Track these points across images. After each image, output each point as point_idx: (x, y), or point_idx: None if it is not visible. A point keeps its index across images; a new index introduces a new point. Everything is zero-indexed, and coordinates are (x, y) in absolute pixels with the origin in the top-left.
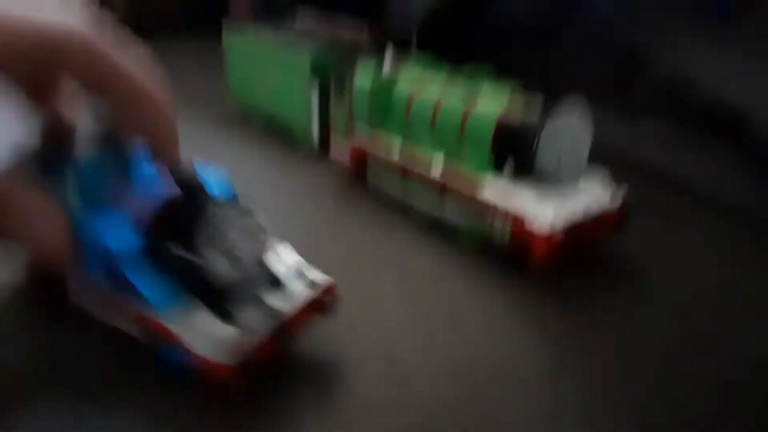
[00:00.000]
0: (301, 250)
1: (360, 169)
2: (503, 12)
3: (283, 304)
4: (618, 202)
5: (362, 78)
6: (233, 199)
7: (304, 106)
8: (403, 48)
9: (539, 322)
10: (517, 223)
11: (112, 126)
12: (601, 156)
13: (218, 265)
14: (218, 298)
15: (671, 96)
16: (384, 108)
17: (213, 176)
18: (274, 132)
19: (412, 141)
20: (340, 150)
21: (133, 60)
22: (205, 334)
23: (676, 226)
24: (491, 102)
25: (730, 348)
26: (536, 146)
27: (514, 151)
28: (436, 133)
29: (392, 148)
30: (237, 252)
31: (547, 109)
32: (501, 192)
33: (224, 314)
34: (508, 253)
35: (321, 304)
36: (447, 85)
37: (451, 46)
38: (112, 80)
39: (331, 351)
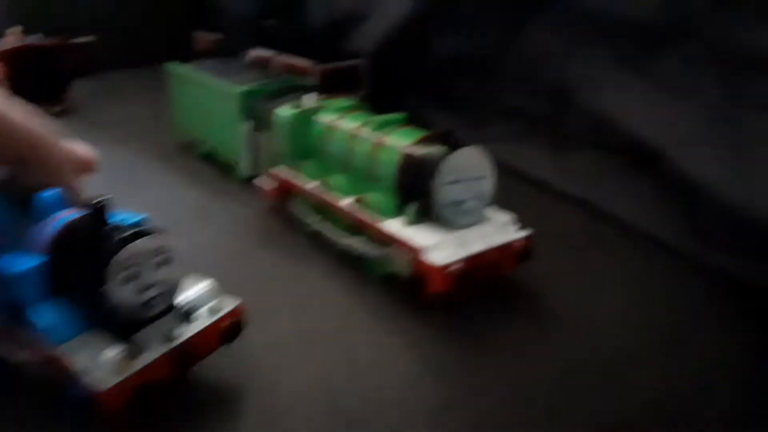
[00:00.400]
0: (215, 279)
1: (282, 200)
2: (449, 44)
3: (183, 329)
4: (522, 237)
5: (284, 109)
6: (139, 223)
7: (236, 140)
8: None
9: (434, 360)
10: (416, 255)
11: (10, 173)
12: (530, 186)
13: (121, 296)
14: (118, 326)
15: (597, 131)
16: (303, 139)
17: (122, 210)
18: (211, 163)
19: (328, 172)
20: (266, 181)
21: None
22: (97, 362)
23: (593, 258)
24: (400, 138)
25: (625, 383)
26: (435, 178)
27: (416, 183)
28: (349, 164)
29: (310, 179)
30: (141, 279)
31: (451, 147)
32: (402, 224)
33: (124, 342)
34: (410, 285)
35: (226, 329)
36: (362, 123)
37: (401, 75)
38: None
39: (229, 379)
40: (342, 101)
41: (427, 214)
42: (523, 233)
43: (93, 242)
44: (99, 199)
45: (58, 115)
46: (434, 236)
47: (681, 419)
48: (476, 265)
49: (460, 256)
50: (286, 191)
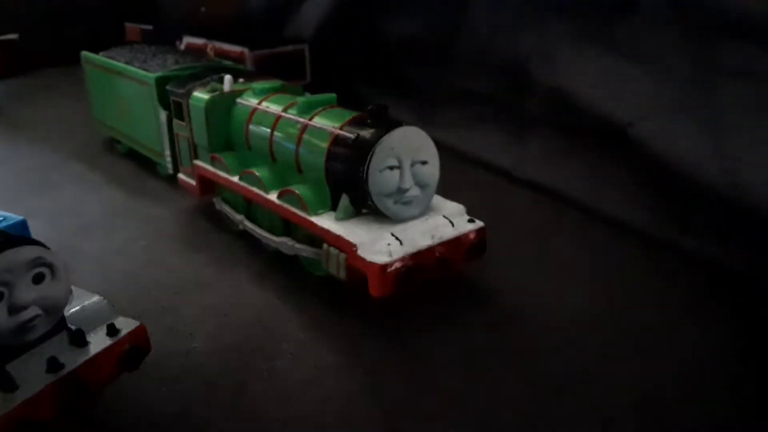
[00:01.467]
0: (119, 292)
1: (207, 196)
2: (394, 28)
3: (72, 356)
4: (474, 229)
5: (200, 94)
6: (15, 228)
7: (154, 132)
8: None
9: (378, 376)
10: (352, 254)
11: None
12: (489, 172)
13: None
14: None
15: (557, 110)
16: (224, 127)
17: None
18: (136, 161)
19: (253, 162)
20: (187, 175)
21: None
22: None
23: (559, 249)
24: (329, 120)
25: (602, 384)
26: (368, 163)
27: (347, 171)
28: (274, 153)
29: (233, 169)
30: (13, 297)
31: (387, 127)
32: (335, 219)
33: None
34: (347, 284)
35: (125, 354)
36: (287, 106)
37: (345, 61)
38: None
39: (131, 414)
40: (267, 83)
41: (363, 206)
42: (475, 225)
43: None
44: None
45: None
46: (371, 232)
47: (663, 420)
48: (422, 263)
49: (403, 254)
50: (210, 186)
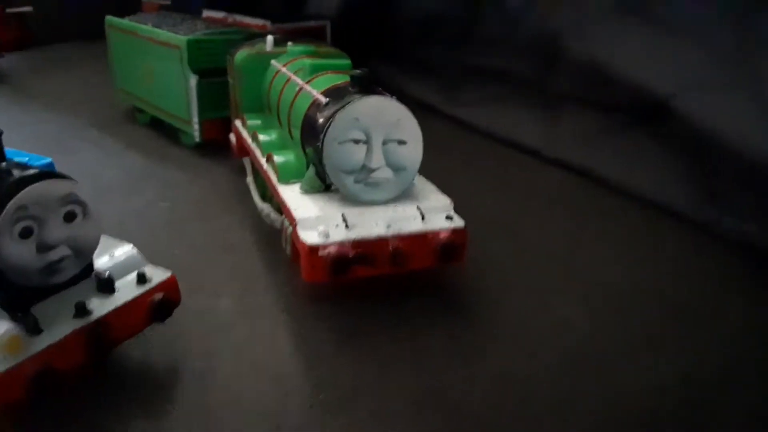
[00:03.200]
0: (151, 251)
1: (243, 154)
2: (417, 6)
3: (100, 302)
4: (448, 228)
5: (241, 52)
6: (48, 168)
7: (183, 98)
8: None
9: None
10: (295, 228)
11: None
12: (517, 152)
13: (15, 252)
14: (11, 293)
15: (591, 86)
16: (257, 86)
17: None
18: (158, 130)
19: (270, 124)
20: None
21: None
22: None
23: (594, 229)
24: (319, 85)
25: (638, 367)
26: (326, 130)
27: (312, 140)
28: (280, 113)
29: (250, 130)
30: (43, 234)
31: (364, 92)
32: (294, 191)
33: (19, 315)
34: (293, 261)
35: (156, 304)
36: (299, 69)
37: (366, 40)
38: None
39: (157, 364)
40: (302, 46)
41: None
42: (451, 223)
43: None
44: None
45: None
46: (323, 210)
47: (701, 411)
48: (369, 254)
49: (341, 238)
50: (243, 147)
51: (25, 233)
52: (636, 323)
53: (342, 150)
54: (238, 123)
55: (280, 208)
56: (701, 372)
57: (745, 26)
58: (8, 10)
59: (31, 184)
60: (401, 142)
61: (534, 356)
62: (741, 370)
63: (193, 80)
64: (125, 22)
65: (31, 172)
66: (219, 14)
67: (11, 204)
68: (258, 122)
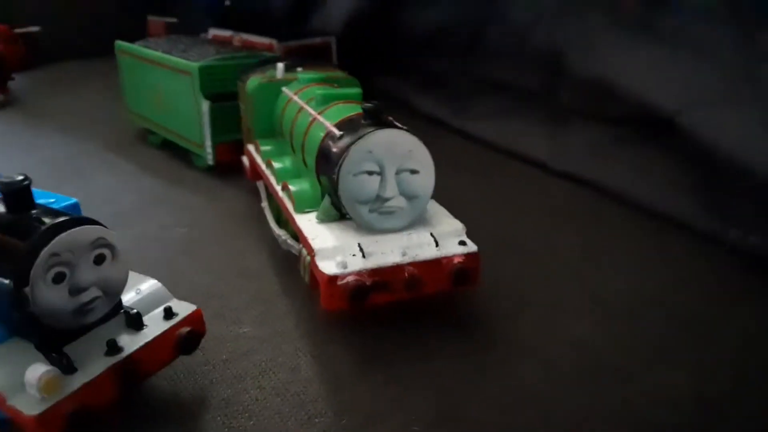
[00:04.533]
0: (160, 279)
1: (256, 178)
2: (423, 20)
3: (130, 339)
4: (461, 254)
5: (252, 79)
6: (73, 209)
7: (196, 122)
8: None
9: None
10: (313, 258)
11: None
12: (523, 166)
13: (48, 297)
14: (46, 335)
15: (597, 100)
16: (269, 113)
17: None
18: (170, 151)
19: (283, 151)
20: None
21: None
22: (21, 381)
23: (600, 241)
24: (332, 116)
25: (648, 379)
26: (341, 163)
27: (328, 171)
28: (293, 142)
29: (264, 156)
30: (75, 278)
31: (376, 124)
32: (310, 220)
33: (54, 355)
34: (312, 289)
35: (183, 338)
36: (311, 98)
37: (371, 55)
38: None
39: (185, 392)
40: (313, 73)
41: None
42: (465, 249)
43: (12, 231)
44: (20, 177)
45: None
46: (340, 239)
47: (715, 422)
48: (386, 281)
49: (360, 268)
50: (257, 171)
51: (58, 278)
52: (648, 336)
53: (357, 181)
54: (250, 147)
55: (297, 235)
56: (713, 383)
57: (750, 42)
58: (16, 30)
59: (63, 232)
60: (414, 172)
61: (550, 372)
62: (751, 380)
63: (205, 106)
64: (136, 47)
65: (62, 219)
66: (226, 33)
67: (44, 252)
68: (271, 148)
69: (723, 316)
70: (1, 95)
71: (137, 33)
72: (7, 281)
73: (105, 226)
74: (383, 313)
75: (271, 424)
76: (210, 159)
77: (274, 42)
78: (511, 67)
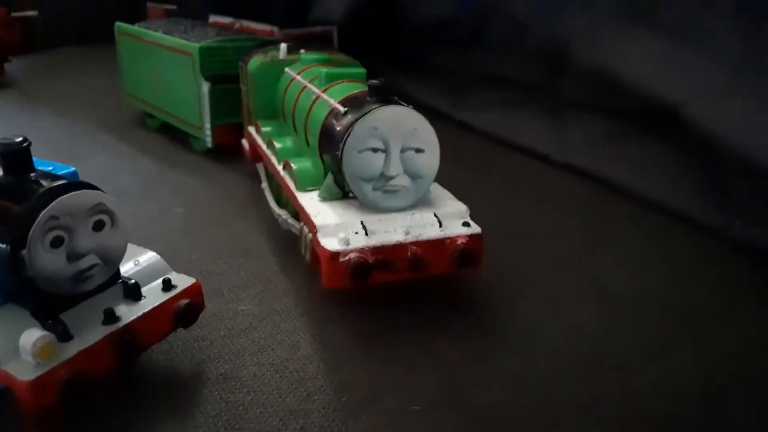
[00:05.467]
0: (169, 256)
1: (256, 160)
2: (425, 12)
3: (128, 309)
4: (465, 235)
5: (254, 60)
6: (73, 177)
7: (195, 104)
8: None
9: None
10: (315, 235)
11: None
12: (525, 158)
13: (46, 261)
14: (42, 301)
15: (600, 92)
16: (271, 94)
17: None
18: (168, 135)
19: (285, 131)
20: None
21: None
22: (15, 346)
23: (604, 234)
24: (336, 94)
25: (650, 373)
26: (346, 139)
27: (331, 148)
28: (295, 121)
29: (265, 137)
30: (73, 243)
31: (382, 102)
32: (312, 198)
33: (49, 322)
34: (312, 268)
35: (182, 310)
36: (314, 77)
37: (372, 45)
38: None
39: (183, 367)
40: (316, 54)
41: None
42: (468, 230)
43: (10, 193)
44: (19, 138)
45: None
46: (342, 217)
47: (715, 414)
48: (389, 260)
49: (363, 245)
50: (257, 153)
51: (56, 243)
52: (649, 327)
53: (361, 158)
54: (251, 129)
55: (298, 213)
56: (715, 376)
57: (754, 34)
58: (13, 14)
59: (62, 195)
60: (419, 150)
61: (550, 359)
62: (754, 373)
63: (205, 87)
64: (135, 28)
65: (61, 182)
66: (226, 20)
67: (43, 214)
68: (272, 129)
69: (726, 308)
70: None
71: (136, 19)
72: (3, 245)
73: (105, 192)
74: (385, 293)
75: (270, 399)
76: (209, 142)
77: (274, 29)
78: (513, 59)
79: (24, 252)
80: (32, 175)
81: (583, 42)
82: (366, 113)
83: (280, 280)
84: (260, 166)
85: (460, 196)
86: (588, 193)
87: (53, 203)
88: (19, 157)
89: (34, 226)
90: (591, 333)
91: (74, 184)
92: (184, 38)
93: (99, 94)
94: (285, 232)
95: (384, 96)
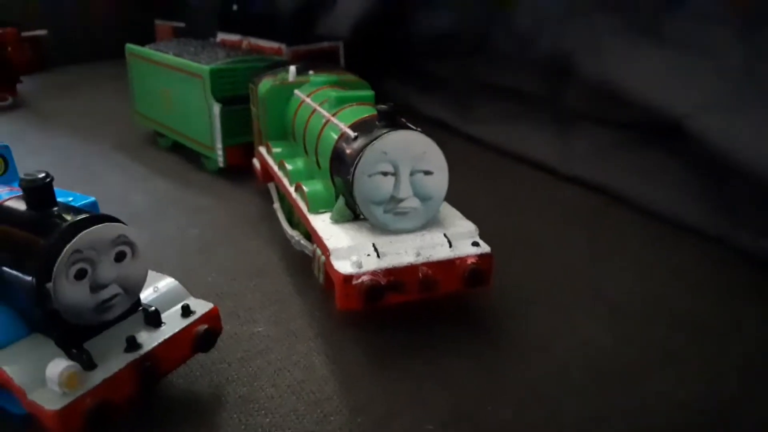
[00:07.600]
0: (176, 279)
1: (267, 180)
2: (430, 24)
3: (149, 336)
4: (474, 254)
5: (264, 82)
6: (93, 206)
7: (206, 125)
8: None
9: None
10: (327, 257)
11: None
12: (530, 169)
13: (70, 293)
14: (67, 331)
15: (604, 104)
16: (281, 115)
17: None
18: (179, 154)
19: (296, 153)
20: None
21: None
22: (41, 376)
23: (608, 245)
24: (346, 118)
25: (656, 384)
26: (356, 164)
27: (342, 172)
28: (306, 143)
29: (277, 158)
30: (96, 275)
31: (391, 126)
32: (324, 220)
33: (74, 351)
34: (326, 289)
35: (200, 335)
36: (324, 100)
37: (378, 59)
38: None
39: (202, 390)
40: (325, 75)
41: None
42: (478, 249)
43: (35, 227)
44: (41, 174)
45: (8, 107)
46: (355, 239)
47: (723, 425)
48: (400, 281)
49: (375, 268)
50: (268, 173)
51: (80, 275)
52: (657, 339)
53: (371, 182)
54: (262, 149)
55: (310, 234)
56: (722, 386)
57: (758, 46)
58: (23, 34)
59: (85, 229)
60: (427, 173)
61: (560, 374)
62: (762, 384)
63: (216, 108)
64: (146, 50)
65: (84, 216)
66: (234, 37)
67: (67, 249)
68: (283, 150)
69: (732, 319)
70: (10, 97)
71: (144, 37)
72: (29, 278)
73: (125, 224)
74: (396, 313)
75: (287, 421)
76: (221, 161)
77: (282, 46)
78: (517, 71)
79: (49, 285)
80: (55, 209)
81: (587, 54)
82: (375, 138)
83: (294, 301)
84: (272, 186)
85: (467, 209)
86: (594, 205)
87: (77, 237)
88: (42, 192)
89: (59, 260)
90: (600, 345)
91: (96, 217)
92: (195, 60)
93: (110, 112)
94: (298, 252)
95: (392, 120)
